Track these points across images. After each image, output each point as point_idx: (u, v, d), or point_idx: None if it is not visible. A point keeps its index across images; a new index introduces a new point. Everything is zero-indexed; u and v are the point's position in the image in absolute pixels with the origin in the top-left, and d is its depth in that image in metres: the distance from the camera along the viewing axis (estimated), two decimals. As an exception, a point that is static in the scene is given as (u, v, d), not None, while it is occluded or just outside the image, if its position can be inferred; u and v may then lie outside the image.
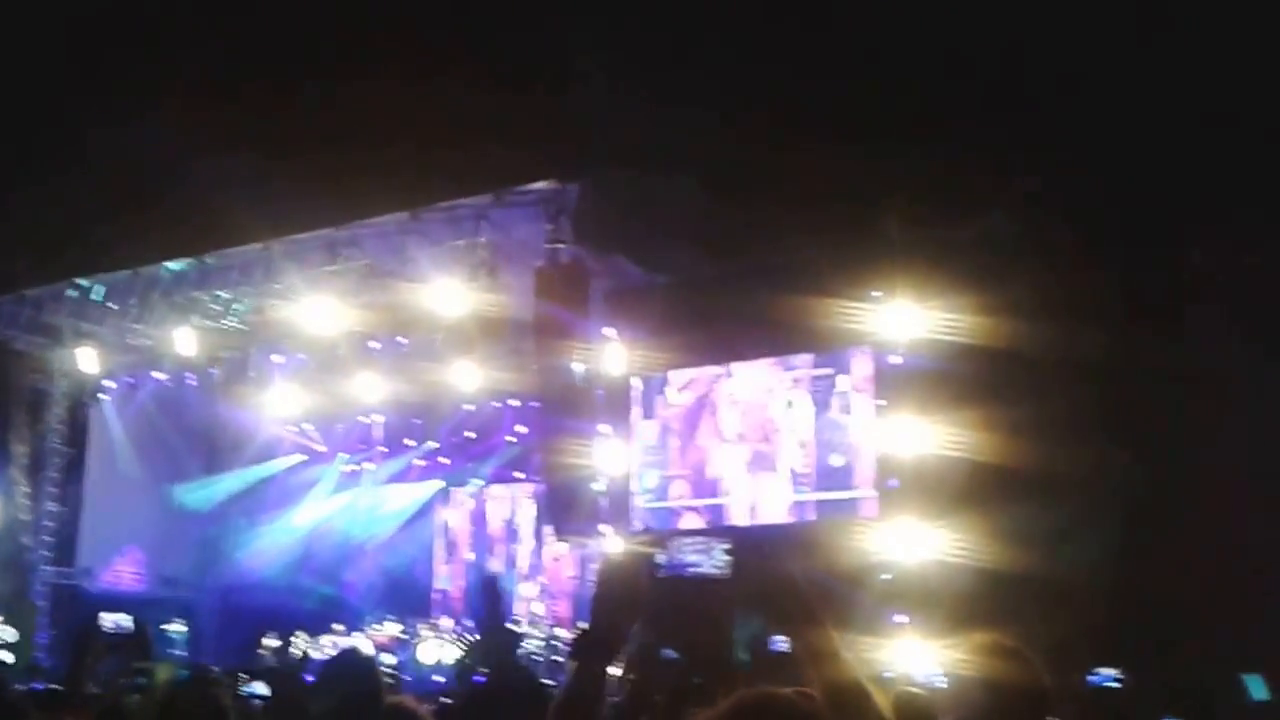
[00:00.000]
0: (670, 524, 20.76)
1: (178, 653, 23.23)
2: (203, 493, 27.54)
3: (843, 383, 19.69)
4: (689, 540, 19.37)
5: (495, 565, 26.07)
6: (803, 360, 20.10)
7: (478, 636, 22.30)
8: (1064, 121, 15.40)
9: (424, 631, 24.06)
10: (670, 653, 15.22)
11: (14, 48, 18.42)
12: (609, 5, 16.38)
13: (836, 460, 19.49)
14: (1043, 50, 15.21)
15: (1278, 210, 14.88)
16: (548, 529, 23.68)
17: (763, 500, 20.10)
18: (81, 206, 20.14)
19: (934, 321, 17.48)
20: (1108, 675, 15.27)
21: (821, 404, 19.83)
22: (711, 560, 18.74)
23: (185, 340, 22.81)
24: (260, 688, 15.81)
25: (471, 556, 26.72)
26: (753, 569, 18.23)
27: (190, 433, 27.32)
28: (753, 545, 18.76)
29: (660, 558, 19.00)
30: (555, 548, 24.28)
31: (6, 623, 23.28)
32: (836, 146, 16.03)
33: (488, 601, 22.84)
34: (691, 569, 18.94)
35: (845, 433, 19.57)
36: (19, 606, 24.38)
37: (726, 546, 18.93)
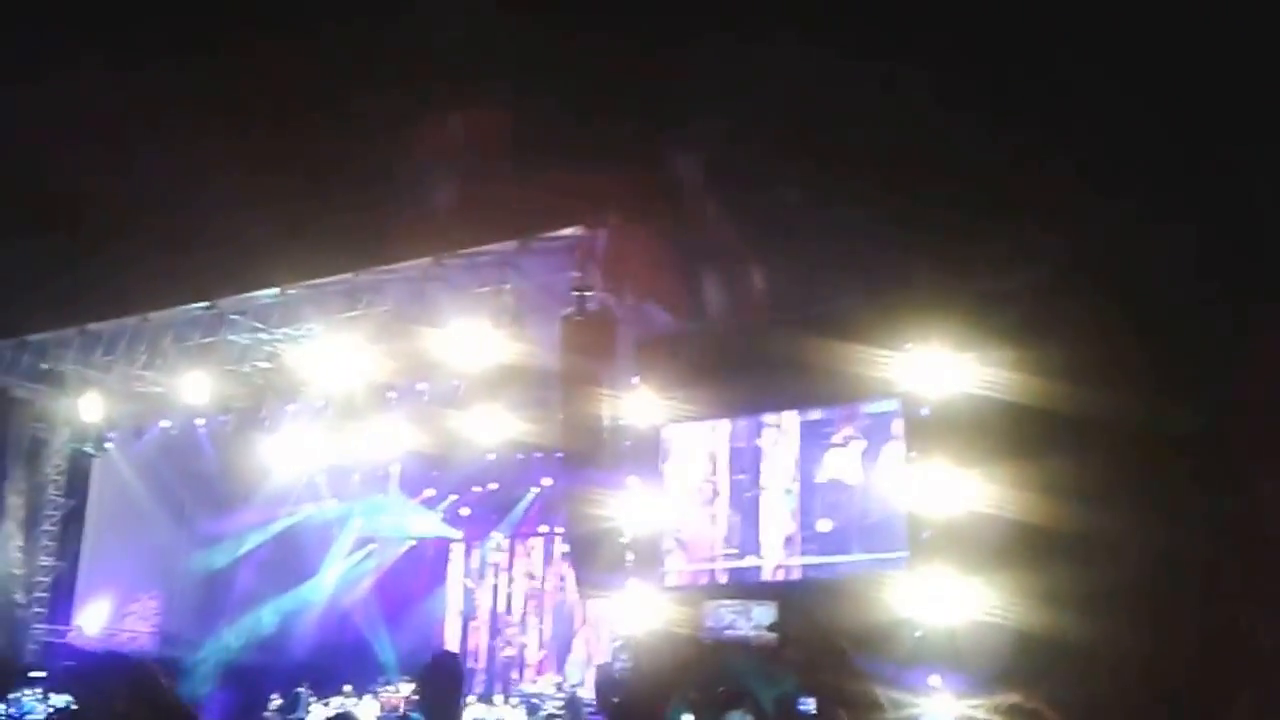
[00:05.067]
0: (700, 580, 21.29)
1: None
2: (214, 553, 28.21)
3: (874, 435, 20.25)
4: (727, 603, 19.92)
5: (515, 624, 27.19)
6: (835, 411, 20.68)
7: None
8: (1108, 180, 16.23)
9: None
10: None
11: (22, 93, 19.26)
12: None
13: (871, 516, 20.05)
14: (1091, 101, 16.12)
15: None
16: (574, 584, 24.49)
17: (792, 556, 20.61)
18: (92, 250, 20.93)
19: (968, 374, 18.17)
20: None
21: (879, 454, 20.30)
22: (751, 623, 19.31)
23: (197, 387, 23.44)
24: None
25: (486, 616, 27.82)
26: (792, 627, 19.14)
27: (198, 483, 27.86)
28: (788, 603, 19.44)
29: (701, 622, 19.54)
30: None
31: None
32: (872, 195, 17.08)
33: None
34: (730, 631, 19.47)
35: (877, 486, 20.12)
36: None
37: (765, 608, 19.51)
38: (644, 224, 18.81)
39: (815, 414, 21.04)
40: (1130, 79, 15.86)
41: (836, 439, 20.75)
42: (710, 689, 15.79)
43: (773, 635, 19.14)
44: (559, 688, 24.32)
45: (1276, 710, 14.59)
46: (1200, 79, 15.36)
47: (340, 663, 26.47)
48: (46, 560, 26.67)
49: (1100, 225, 16.57)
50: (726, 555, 21.33)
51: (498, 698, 24.93)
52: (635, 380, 21.20)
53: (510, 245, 19.90)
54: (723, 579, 21.23)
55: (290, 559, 28.31)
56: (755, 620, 19.25)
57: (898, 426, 20.08)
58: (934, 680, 17.90)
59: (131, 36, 19.46)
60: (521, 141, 18.22)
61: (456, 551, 28.83)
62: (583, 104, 18.06)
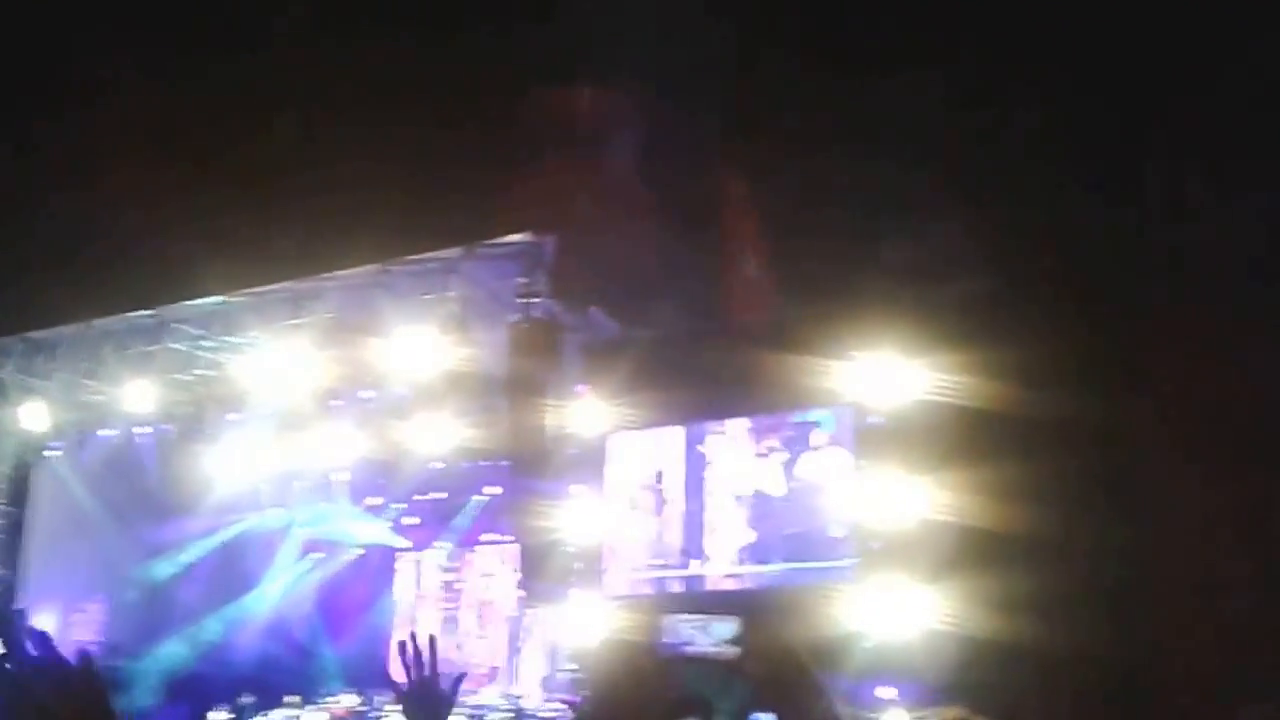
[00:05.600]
0: (646, 589, 21.21)
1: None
2: (159, 563, 27.99)
3: (822, 442, 20.19)
4: (685, 617, 19.77)
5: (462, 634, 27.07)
6: (782, 419, 20.61)
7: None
8: (1058, 181, 16.25)
9: (385, 705, 24.84)
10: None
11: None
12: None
13: (815, 523, 20.02)
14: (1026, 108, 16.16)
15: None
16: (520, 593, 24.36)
17: (738, 566, 20.62)
18: (31, 256, 20.71)
19: (918, 380, 18.13)
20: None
21: (799, 464, 20.33)
22: (710, 638, 19.11)
23: (140, 396, 23.26)
24: None
25: (436, 626, 27.58)
26: (748, 639, 19.01)
27: (143, 492, 27.29)
28: (742, 615, 19.30)
29: (661, 636, 19.34)
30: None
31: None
32: (816, 202, 17.05)
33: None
34: (690, 647, 19.28)
35: (824, 495, 20.07)
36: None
37: (724, 623, 19.35)
38: (590, 230, 18.71)
39: (764, 421, 20.94)
40: (1078, 81, 15.90)
41: (760, 449, 20.75)
42: (656, 709, 15.62)
43: (733, 649, 18.97)
44: (505, 698, 24.12)
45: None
46: (1145, 82, 15.42)
47: (285, 673, 26.18)
48: (-11, 571, 26.22)
49: (1051, 226, 16.55)
50: (674, 564, 21.24)
51: (445, 708, 24.65)
52: (581, 388, 21.12)
53: (456, 252, 19.88)
54: (674, 588, 21.13)
55: (236, 568, 28.13)
56: (714, 635, 19.06)
57: (818, 437, 20.13)
58: (886, 692, 17.81)
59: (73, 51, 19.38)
60: (466, 146, 18.13)
61: (403, 560, 28.59)
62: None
